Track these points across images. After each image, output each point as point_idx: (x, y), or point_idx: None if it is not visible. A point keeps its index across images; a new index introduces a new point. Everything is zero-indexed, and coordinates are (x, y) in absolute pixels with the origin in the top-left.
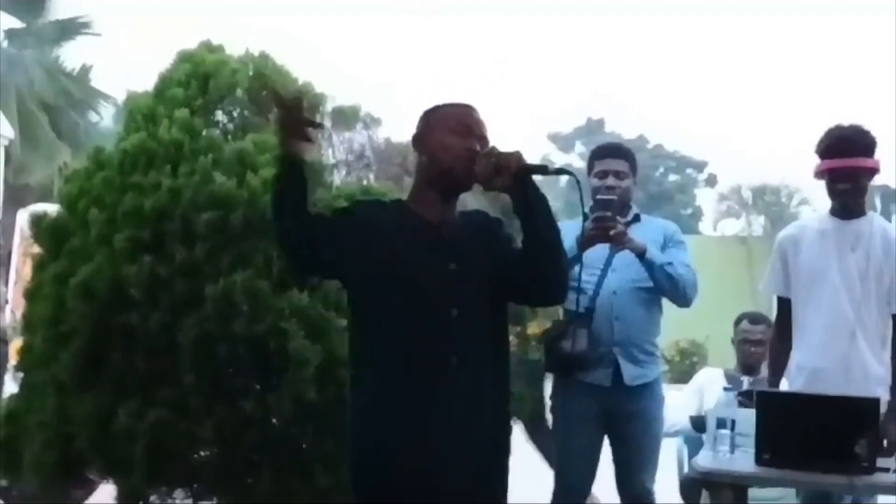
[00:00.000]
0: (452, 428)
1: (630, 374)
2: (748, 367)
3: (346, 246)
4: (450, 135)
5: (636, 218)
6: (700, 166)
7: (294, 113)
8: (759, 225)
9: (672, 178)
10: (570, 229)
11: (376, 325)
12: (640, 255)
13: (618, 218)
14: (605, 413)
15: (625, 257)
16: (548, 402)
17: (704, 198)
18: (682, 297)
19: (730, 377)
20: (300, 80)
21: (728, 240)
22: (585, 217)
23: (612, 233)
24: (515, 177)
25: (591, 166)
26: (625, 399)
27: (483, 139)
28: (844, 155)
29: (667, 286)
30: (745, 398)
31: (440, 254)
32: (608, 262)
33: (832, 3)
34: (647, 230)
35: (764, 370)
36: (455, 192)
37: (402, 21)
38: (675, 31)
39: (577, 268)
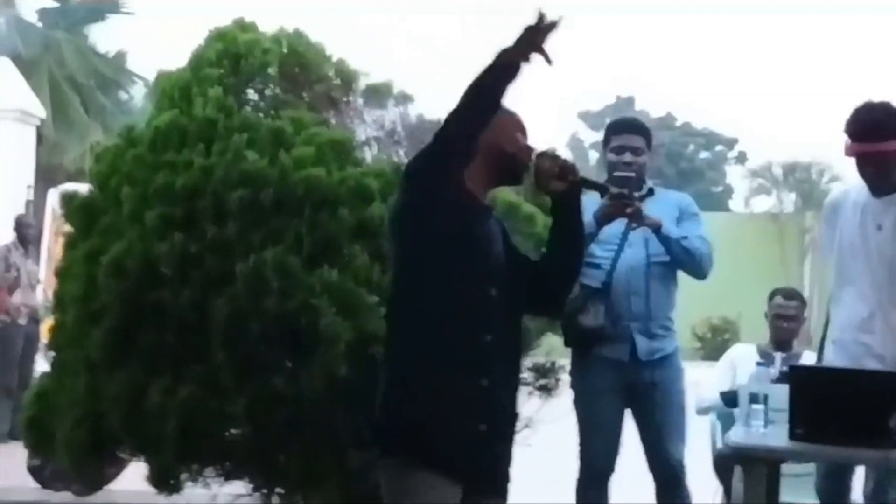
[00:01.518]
0: (490, 406)
1: (646, 348)
2: (781, 342)
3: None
4: (514, 131)
5: (650, 192)
6: (730, 143)
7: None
8: (790, 202)
9: (702, 155)
10: (585, 205)
11: (428, 287)
12: (656, 230)
13: (634, 195)
14: (625, 386)
15: (641, 232)
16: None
17: (735, 175)
18: (699, 270)
19: (762, 353)
20: (334, 58)
21: (759, 217)
22: (603, 194)
23: (628, 210)
24: (572, 186)
25: (607, 141)
26: (644, 371)
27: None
28: (873, 139)
29: (684, 259)
30: (780, 375)
31: (488, 235)
32: (624, 238)
33: None
34: (662, 204)
35: (797, 346)
36: (507, 180)
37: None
38: (704, 12)
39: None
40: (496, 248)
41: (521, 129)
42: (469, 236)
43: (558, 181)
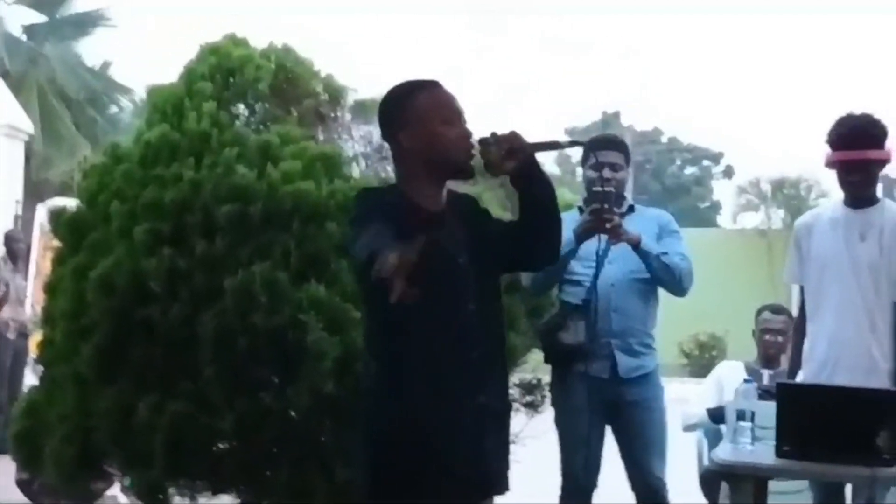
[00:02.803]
0: (473, 418)
1: (626, 365)
2: (768, 357)
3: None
4: (440, 124)
5: (631, 209)
6: (717, 158)
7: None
8: (779, 218)
9: (689, 170)
10: (565, 221)
11: (394, 319)
12: (635, 245)
13: (614, 210)
14: (606, 403)
15: (621, 249)
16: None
17: (722, 191)
18: (679, 287)
19: (750, 370)
20: (322, 74)
21: (747, 233)
22: (581, 210)
23: (608, 226)
24: (527, 158)
25: (585, 158)
26: (624, 389)
27: (462, 114)
28: (854, 146)
29: (663, 276)
30: (766, 392)
31: (448, 245)
32: (604, 254)
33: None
34: (642, 221)
35: (784, 362)
36: (452, 177)
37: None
38: (691, 26)
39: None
40: (462, 256)
41: (448, 114)
42: (423, 259)
43: (510, 161)
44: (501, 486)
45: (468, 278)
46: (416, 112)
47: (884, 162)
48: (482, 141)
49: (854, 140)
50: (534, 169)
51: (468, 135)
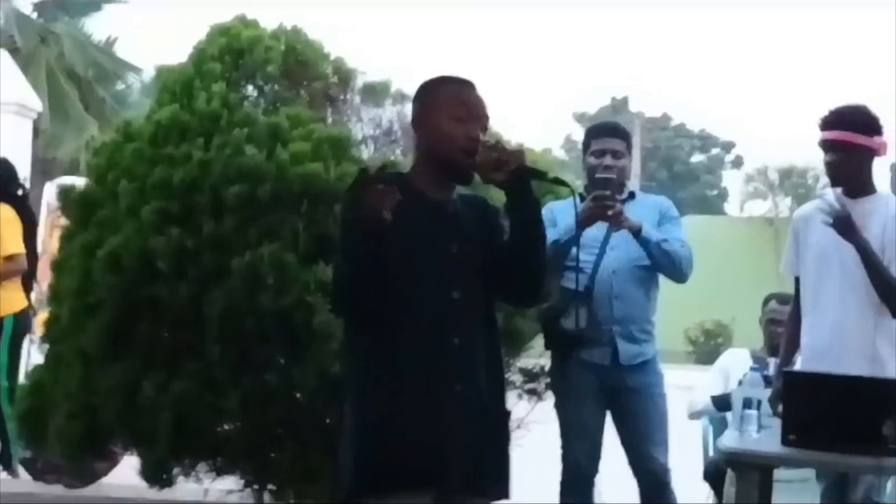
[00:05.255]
0: (455, 406)
1: (628, 352)
2: (775, 347)
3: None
4: (449, 120)
5: (631, 196)
6: (727, 146)
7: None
8: (786, 206)
9: (698, 157)
10: (565, 209)
11: (377, 307)
12: (636, 233)
13: (616, 197)
14: (605, 389)
15: (623, 236)
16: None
17: (730, 179)
18: (679, 273)
19: (756, 358)
20: (331, 56)
21: (754, 221)
22: (583, 197)
23: (610, 213)
24: (513, 175)
25: (587, 145)
26: (624, 376)
27: (483, 119)
28: (831, 127)
29: (663, 263)
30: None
31: (442, 235)
32: (606, 241)
33: None
34: (643, 207)
35: None
36: (453, 180)
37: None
38: (702, 13)
39: (574, 247)
40: (455, 247)
41: (464, 108)
42: (414, 241)
43: (497, 173)
44: (496, 490)
45: (456, 266)
46: (431, 104)
47: (867, 149)
48: (483, 143)
49: (834, 122)
50: (518, 189)
51: (475, 137)
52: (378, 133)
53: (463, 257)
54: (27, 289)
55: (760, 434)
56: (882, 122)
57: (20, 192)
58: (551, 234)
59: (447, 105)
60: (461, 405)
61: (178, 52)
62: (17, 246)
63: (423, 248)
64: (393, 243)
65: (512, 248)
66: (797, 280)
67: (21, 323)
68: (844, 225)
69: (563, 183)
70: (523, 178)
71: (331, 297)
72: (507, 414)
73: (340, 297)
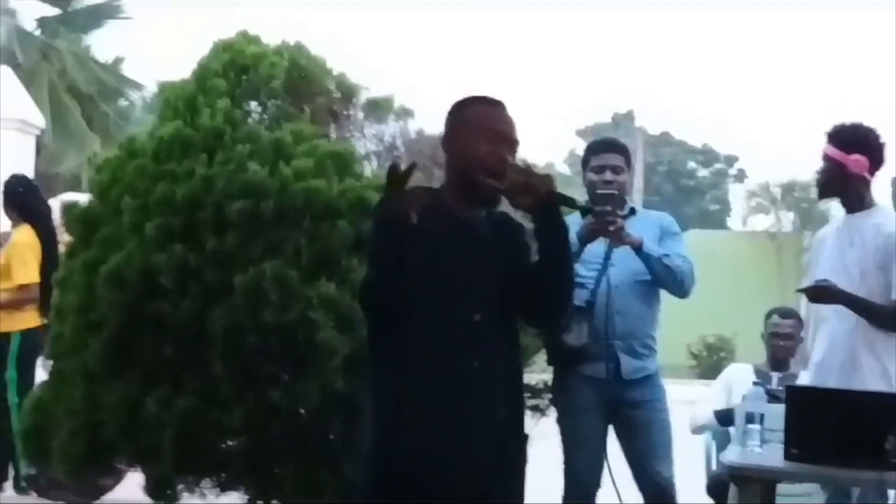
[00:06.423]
0: (471, 428)
1: (629, 367)
2: (777, 361)
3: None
4: (480, 141)
5: (632, 211)
6: (729, 161)
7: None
8: (789, 221)
9: (701, 173)
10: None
11: (400, 319)
12: (637, 248)
13: (617, 212)
14: (607, 403)
15: (624, 252)
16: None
17: (733, 193)
18: (681, 288)
19: (759, 372)
20: (334, 71)
21: (757, 235)
22: (584, 213)
23: (611, 228)
24: (542, 201)
25: (586, 161)
26: (626, 391)
27: (512, 142)
28: (827, 141)
29: (665, 278)
30: (775, 396)
31: (465, 253)
32: (607, 257)
33: None
34: (644, 223)
35: (793, 366)
36: (480, 202)
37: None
38: (706, 27)
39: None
40: (477, 266)
41: (494, 131)
42: (439, 257)
43: (525, 197)
44: None
45: (478, 285)
46: (460, 123)
47: (838, 163)
48: (512, 167)
49: (827, 136)
50: (547, 215)
51: (502, 159)
52: (381, 149)
53: (485, 277)
54: (45, 308)
55: (763, 448)
56: (881, 138)
57: (42, 209)
58: None
59: (476, 125)
60: (478, 427)
61: (181, 68)
62: (30, 276)
63: (446, 265)
64: (418, 256)
65: (538, 271)
66: None
67: (30, 340)
68: (816, 293)
69: (590, 211)
70: (552, 203)
71: (358, 291)
72: (526, 437)
73: (367, 293)
